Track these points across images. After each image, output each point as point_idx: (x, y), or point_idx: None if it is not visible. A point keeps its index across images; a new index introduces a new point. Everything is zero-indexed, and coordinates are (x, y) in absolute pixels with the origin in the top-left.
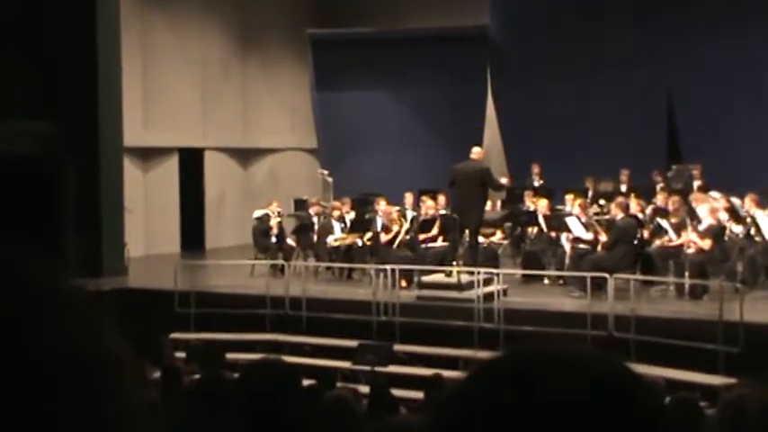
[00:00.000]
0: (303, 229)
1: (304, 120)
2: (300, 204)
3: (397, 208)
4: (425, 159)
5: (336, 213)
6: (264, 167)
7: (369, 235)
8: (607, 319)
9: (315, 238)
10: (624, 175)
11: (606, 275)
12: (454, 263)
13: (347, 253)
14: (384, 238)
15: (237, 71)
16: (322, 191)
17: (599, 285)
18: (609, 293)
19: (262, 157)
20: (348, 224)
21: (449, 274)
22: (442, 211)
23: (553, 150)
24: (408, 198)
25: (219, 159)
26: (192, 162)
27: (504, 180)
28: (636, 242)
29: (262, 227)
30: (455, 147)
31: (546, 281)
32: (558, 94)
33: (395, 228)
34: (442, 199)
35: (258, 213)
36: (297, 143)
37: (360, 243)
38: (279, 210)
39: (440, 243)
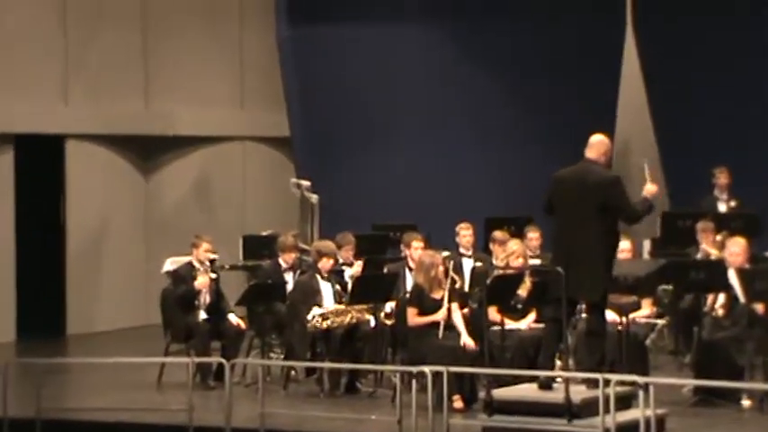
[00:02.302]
0: (262, 293)
1: (263, 87)
2: (256, 245)
3: (446, 253)
4: (498, 160)
5: (326, 264)
6: (186, 174)
7: (389, 307)
8: None
9: (285, 312)
10: None
11: None
12: (558, 362)
13: (347, 341)
14: (416, 314)
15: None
16: (299, 219)
17: None
18: None
19: (181, 154)
20: (350, 286)
21: (546, 385)
22: (534, 262)
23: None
24: (465, 234)
25: (95, 157)
26: (40, 162)
27: (647, 191)
28: None
29: (179, 290)
30: (558, 136)
31: (745, 402)
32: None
33: (440, 293)
34: (533, 237)
35: (171, 265)
36: (249, 128)
37: (372, 322)
38: (214, 256)
39: (528, 322)
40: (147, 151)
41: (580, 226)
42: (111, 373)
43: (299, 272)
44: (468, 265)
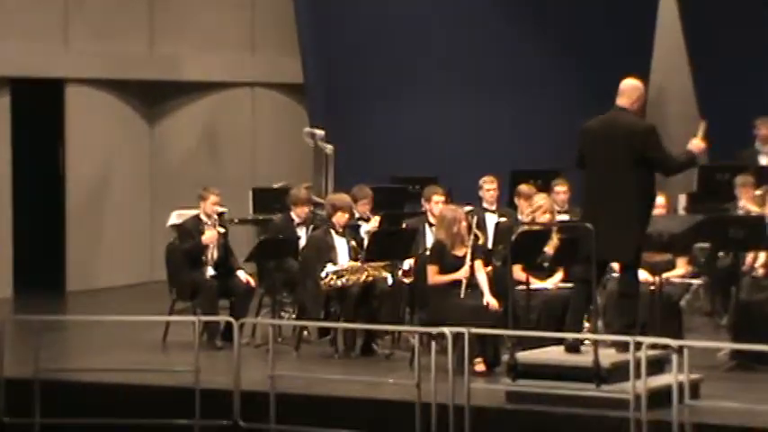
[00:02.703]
0: (273, 249)
1: (275, 29)
2: (267, 199)
3: (469, 208)
4: (525, 109)
5: (341, 219)
6: (193, 122)
7: (408, 264)
8: None
9: (297, 269)
10: None
11: None
12: (585, 323)
13: (363, 300)
14: (436, 272)
15: None
16: (312, 171)
17: None
18: None
19: (187, 100)
20: (365, 242)
21: (574, 348)
22: (562, 218)
23: None
24: (489, 188)
25: (97, 104)
26: (38, 108)
27: (694, 145)
28: None
29: (186, 245)
30: (589, 84)
31: None
32: None
33: (463, 250)
34: (560, 191)
35: (177, 218)
36: (260, 73)
37: (390, 281)
38: (222, 210)
39: (555, 282)
40: (152, 97)
41: (612, 179)
42: (113, 332)
43: (312, 227)
44: (491, 220)
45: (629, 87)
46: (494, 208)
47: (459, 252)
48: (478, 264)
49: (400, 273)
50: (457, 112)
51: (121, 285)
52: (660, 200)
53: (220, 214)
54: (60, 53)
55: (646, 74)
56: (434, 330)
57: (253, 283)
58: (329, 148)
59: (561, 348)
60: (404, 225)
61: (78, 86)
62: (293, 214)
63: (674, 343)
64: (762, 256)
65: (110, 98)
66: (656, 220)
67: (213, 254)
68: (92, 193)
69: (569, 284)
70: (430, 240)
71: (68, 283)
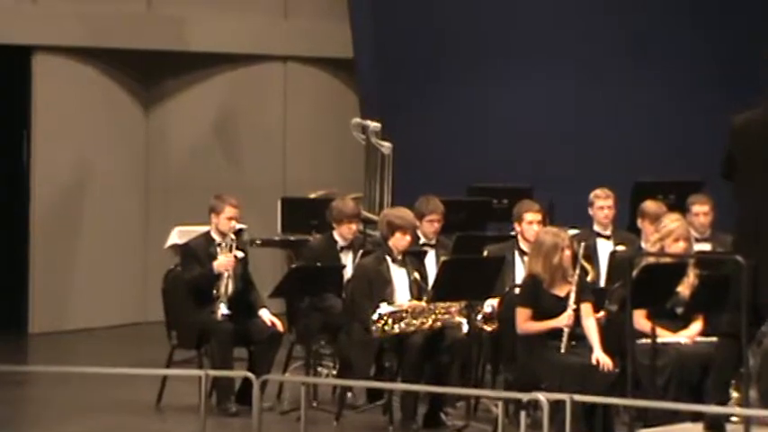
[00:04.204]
0: (308, 281)
1: None
2: (301, 213)
3: (574, 232)
4: (652, 100)
5: (401, 242)
6: (203, 107)
7: (490, 306)
8: None
9: (340, 309)
10: None
11: None
12: (734, 393)
13: (428, 354)
14: (529, 317)
15: None
16: (363, 178)
17: None
18: None
19: (196, 78)
20: (434, 274)
21: (717, 425)
22: (701, 247)
23: None
24: (603, 205)
25: (75, 79)
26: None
27: None
28: None
29: (191, 273)
30: (737, 69)
31: None
32: None
33: (565, 289)
34: (700, 212)
35: (179, 237)
36: (294, 44)
37: (465, 328)
38: (240, 226)
39: (691, 335)
40: (149, 74)
41: None
42: (91, 389)
43: (361, 252)
44: (605, 249)
45: None
46: (608, 232)
47: (560, 291)
48: (586, 308)
49: (479, 317)
50: (558, 100)
51: (103, 327)
52: None
53: (238, 232)
54: (27, 11)
55: None
56: (525, 396)
57: (280, 326)
58: (386, 146)
59: (699, 426)
60: (485, 253)
61: (49, 56)
62: (336, 234)
63: None
64: None
65: (92, 73)
66: None
67: (228, 286)
68: (65, 201)
69: (711, 338)
70: (521, 274)
71: (32, 323)
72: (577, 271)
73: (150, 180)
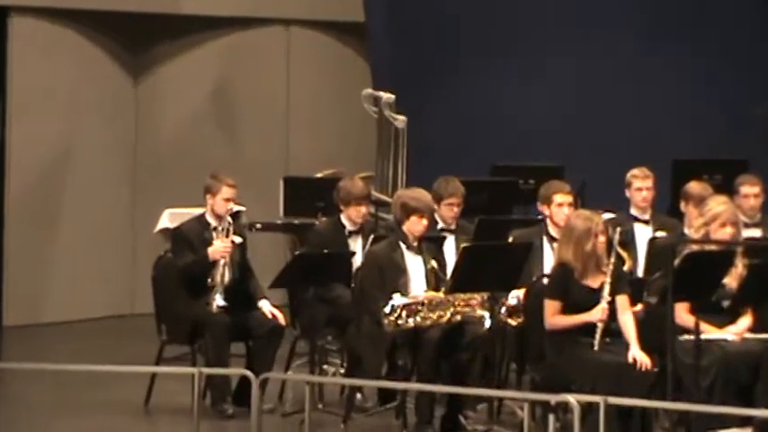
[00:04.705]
0: (313, 269)
1: None
2: (305, 194)
3: (609, 216)
4: (695, 72)
5: (417, 227)
6: (197, 76)
7: (516, 298)
8: None
9: (348, 300)
10: None
11: None
12: None
13: (447, 350)
14: (558, 310)
15: None
16: (374, 155)
17: None
18: None
19: (189, 44)
20: (453, 261)
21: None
22: (751, 233)
23: None
24: (641, 186)
25: (55, 46)
26: None
27: None
28: None
29: (183, 260)
30: None
31: None
32: None
33: (599, 280)
34: (751, 194)
35: (171, 220)
36: (297, 6)
37: (487, 322)
38: (238, 208)
39: (739, 331)
40: (138, 39)
41: None
42: (71, 388)
43: (372, 237)
44: (644, 235)
45: None
46: (647, 216)
47: (593, 282)
48: (622, 300)
49: (503, 310)
50: (591, 67)
51: (85, 319)
52: None
53: (236, 215)
54: None
55: None
56: (554, 398)
57: (282, 319)
58: (401, 119)
59: (749, 430)
60: (510, 238)
61: (26, 18)
62: (344, 218)
63: None
64: None
65: (74, 38)
66: None
67: (224, 275)
68: (43, 179)
69: (761, 335)
70: (550, 263)
71: (6, 315)
72: (612, 259)
73: (138, 157)
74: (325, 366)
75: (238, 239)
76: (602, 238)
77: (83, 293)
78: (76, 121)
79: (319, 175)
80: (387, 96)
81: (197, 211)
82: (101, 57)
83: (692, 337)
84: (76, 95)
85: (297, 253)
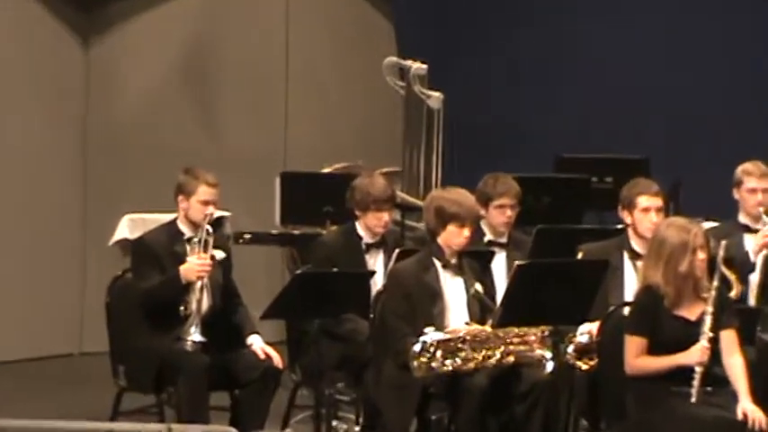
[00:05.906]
0: (317, 295)
1: None
2: (307, 194)
3: (711, 224)
4: None
5: (456, 238)
6: (164, 42)
7: (587, 334)
8: None
9: (365, 335)
10: None
11: None
12: None
13: (497, 401)
14: (644, 349)
15: None
16: (401, 144)
17: None
18: None
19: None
20: (504, 285)
21: None
22: None
23: None
24: (755, 187)
25: None
26: None
27: None
28: None
29: (148, 282)
30: None
31: None
32: None
33: (698, 309)
34: None
35: (131, 228)
36: None
37: (550, 364)
38: (220, 213)
39: None
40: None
41: None
42: None
43: (396, 252)
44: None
45: None
46: (760, 227)
47: (689, 312)
48: (729, 337)
49: (570, 350)
50: (676, 44)
51: (17, 360)
52: None
53: (217, 223)
54: None
55: None
56: None
57: (278, 360)
58: (435, 96)
59: None
60: (580, 255)
61: None
62: (360, 227)
63: None
64: None
65: None
66: None
67: (201, 301)
68: None
69: None
70: (633, 286)
71: None
72: (715, 283)
73: (90, 144)
74: (334, 423)
75: (220, 255)
76: (701, 255)
77: (14, 328)
78: (10, 95)
79: (327, 170)
80: (416, 67)
81: (166, 216)
82: (43, 15)
83: None
84: (11, 63)
85: (297, 272)
